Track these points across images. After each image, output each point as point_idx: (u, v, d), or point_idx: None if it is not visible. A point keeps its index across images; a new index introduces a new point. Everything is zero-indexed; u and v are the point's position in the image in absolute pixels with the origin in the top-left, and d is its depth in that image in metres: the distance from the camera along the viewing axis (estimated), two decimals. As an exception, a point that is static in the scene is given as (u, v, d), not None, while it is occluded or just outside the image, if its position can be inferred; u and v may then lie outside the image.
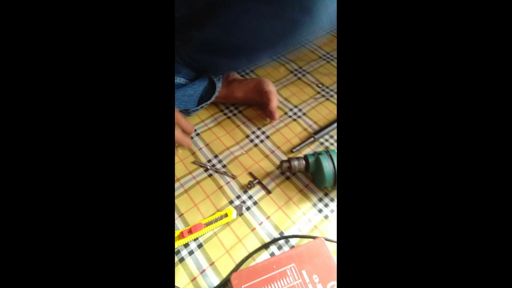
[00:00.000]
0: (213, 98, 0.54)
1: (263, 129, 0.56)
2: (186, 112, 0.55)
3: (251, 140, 0.55)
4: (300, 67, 0.70)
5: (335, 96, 0.64)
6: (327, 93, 0.64)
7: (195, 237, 0.42)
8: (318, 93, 0.64)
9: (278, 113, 0.56)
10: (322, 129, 0.55)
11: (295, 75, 0.68)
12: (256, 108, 0.60)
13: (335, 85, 0.66)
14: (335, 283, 0.34)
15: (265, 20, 0.45)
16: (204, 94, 0.54)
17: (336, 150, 0.46)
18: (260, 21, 0.46)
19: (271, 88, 0.55)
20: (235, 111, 0.60)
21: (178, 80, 0.52)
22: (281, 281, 0.34)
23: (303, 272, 0.35)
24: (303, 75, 0.69)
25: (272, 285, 0.34)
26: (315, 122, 0.58)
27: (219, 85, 0.54)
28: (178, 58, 0.52)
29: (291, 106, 0.61)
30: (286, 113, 0.60)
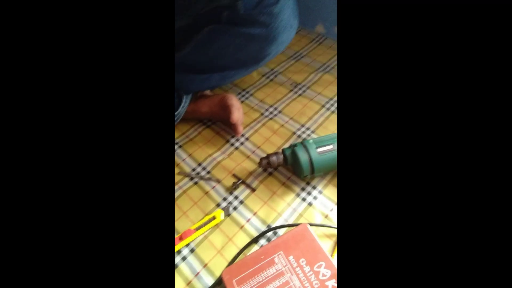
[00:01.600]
0: (181, 109, 0.56)
1: (242, 132, 0.59)
2: None
3: (232, 144, 0.57)
4: (272, 69, 0.73)
5: (308, 91, 0.67)
6: (301, 89, 0.67)
7: (187, 243, 0.43)
8: (291, 90, 0.67)
9: (241, 127, 0.57)
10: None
11: (268, 77, 0.71)
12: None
13: (307, 81, 0.69)
14: (322, 263, 0.36)
15: (233, 39, 0.50)
16: None
17: (311, 140, 0.48)
18: (228, 40, 0.51)
19: (234, 102, 0.57)
20: (211, 125, 0.62)
21: None
22: (270, 269, 0.36)
23: (291, 258, 0.37)
24: (276, 76, 0.72)
25: (262, 274, 0.35)
26: (291, 118, 0.61)
27: (186, 100, 0.57)
28: None
29: (266, 106, 0.64)
30: (262, 114, 0.62)
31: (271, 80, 0.71)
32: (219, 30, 0.52)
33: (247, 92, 0.68)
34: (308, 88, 0.67)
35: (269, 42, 0.52)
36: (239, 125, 0.56)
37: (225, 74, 0.57)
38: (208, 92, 0.63)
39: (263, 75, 0.72)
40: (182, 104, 0.56)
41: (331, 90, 0.66)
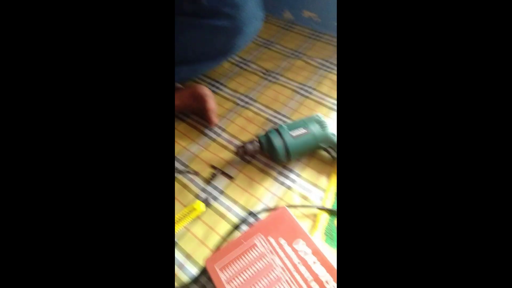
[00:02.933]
0: None
1: (218, 123, 0.58)
2: None
3: (208, 136, 0.57)
4: (242, 58, 0.73)
5: (280, 78, 0.67)
6: (273, 77, 0.68)
7: (168, 237, 0.43)
8: (263, 78, 0.67)
9: (215, 117, 0.57)
10: None
11: (240, 67, 0.71)
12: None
13: (279, 69, 0.69)
14: (302, 242, 0.37)
15: (198, 32, 0.50)
16: None
17: (284, 126, 0.49)
18: (194, 33, 0.50)
19: (206, 91, 0.56)
20: (190, 114, 0.61)
21: None
22: (251, 251, 0.37)
23: (271, 239, 0.38)
24: (247, 64, 0.71)
25: (243, 257, 0.36)
26: (266, 106, 0.61)
27: None
28: None
29: (239, 95, 0.64)
30: (236, 104, 0.62)
31: (243, 69, 0.70)
32: (183, 23, 0.50)
33: (219, 82, 0.67)
34: (280, 75, 0.68)
35: (235, 34, 0.52)
36: (214, 114, 0.56)
37: (194, 67, 0.56)
38: (178, 85, 0.62)
39: (234, 64, 0.71)
40: None
41: (303, 76, 0.67)
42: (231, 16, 0.50)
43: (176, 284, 0.38)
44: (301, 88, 0.64)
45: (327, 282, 0.33)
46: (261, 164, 0.51)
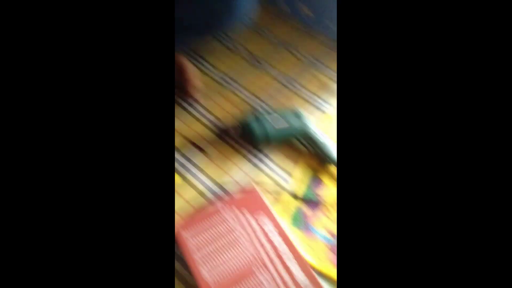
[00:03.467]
0: None
1: (195, 97, 0.58)
2: None
3: (185, 109, 0.56)
4: (231, 39, 0.72)
5: (268, 67, 0.68)
6: (260, 63, 0.68)
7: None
8: (250, 63, 0.68)
9: (193, 90, 0.56)
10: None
11: (227, 47, 0.70)
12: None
13: (268, 57, 0.70)
14: (267, 219, 0.40)
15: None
16: None
17: (267, 117, 0.51)
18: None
19: (185, 62, 0.56)
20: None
21: None
22: (221, 225, 0.39)
23: (240, 215, 0.40)
24: (235, 46, 0.71)
25: (212, 229, 0.38)
26: (248, 90, 0.62)
27: None
28: None
29: (222, 75, 0.63)
30: (217, 81, 0.62)
31: (230, 49, 0.70)
32: None
33: (202, 58, 0.66)
34: (268, 64, 0.68)
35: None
36: (190, 86, 0.55)
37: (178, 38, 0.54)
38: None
39: (221, 43, 0.70)
40: None
41: (292, 70, 0.68)
42: None
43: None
44: (287, 81, 0.66)
45: (288, 259, 0.37)
46: (238, 146, 0.53)
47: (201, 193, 0.46)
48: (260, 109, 0.59)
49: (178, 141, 0.51)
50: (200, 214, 0.40)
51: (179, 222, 0.42)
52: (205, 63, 0.65)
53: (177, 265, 0.38)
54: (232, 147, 0.52)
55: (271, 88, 0.63)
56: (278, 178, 0.50)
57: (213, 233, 0.38)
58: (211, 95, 0.59)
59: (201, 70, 0.63)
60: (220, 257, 0.36)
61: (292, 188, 0.49)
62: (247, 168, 0.50)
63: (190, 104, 0.57)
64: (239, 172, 0.49)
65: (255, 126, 0.49)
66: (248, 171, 0.50)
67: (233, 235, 0.38)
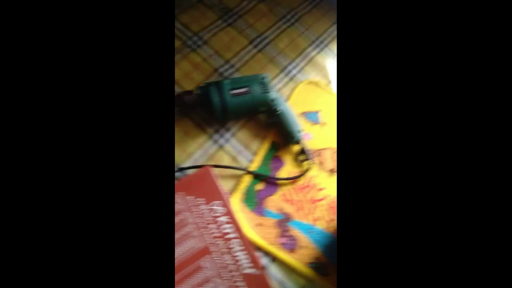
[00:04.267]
0: None
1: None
2: None
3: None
4: (201, -14, 0.62)
5: (239, 21, 0.60)
6: (230, 17, 0.60)
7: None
8: (221, 18, 0.59)
9: None
10: None
11: (196, -4, 0.61)
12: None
13: (239, 8, 0.61)
14: (218, 202, 0.39)
15: None
16: None
17: (227, 81, 0.45)
18: None
19: None
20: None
21: None
22: (168, 207, 0.38)
23: (190, 197, 0.39)
24: (205, -5, 0.61)
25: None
26: (216, 52, 0.56)
27: None
28: None
29: (190, 34, 0.56)
30: (184, 43, 0.55)
31: (199, 1, 0.60)
32: None
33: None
34: (239, 16, 0.60)
35: None
36: None
37: None
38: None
39: (191, -7, 0.61)
40: None
41: (263, 23, 0.60)
42: None
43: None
44: (258, 38, 0.58)
45: (231, 239, 0.37)
46: (199, 118, 0.49)
47: (157, 172, 0.45)
48: (229, 75, 0.54)
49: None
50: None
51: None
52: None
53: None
54: (193, 120, 0.49)
55: (242, 49, 0.56)
56: (236, 152, 0.48)
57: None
58: (177, 60, 0.53)
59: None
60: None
61: (250, 162, 0.47)
62: (207, 144, 0.47)
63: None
64: (198, 150, 0.47)
65: (212, 94, 0.44)
66: (207, 148, 0.47)
67: (179, 218, 0.38)
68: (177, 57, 0.54)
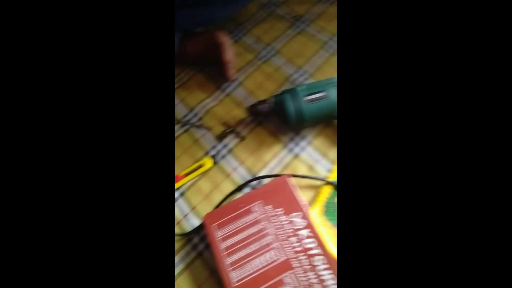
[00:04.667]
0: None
1: (235, 77, 0.55)
2: None
3: (223, 90, 0.54)
4: (270, 0, 0.63)
5: (310, 26, 0.58)
6: (302, 23, 0.59)
7: (177, 187, 0.46)
8: (291, 27, 0.59)
9: (233, 71, 0.52)
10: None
11: (268, 9, 0.62)
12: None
13: (309, 14, 0.60)
14: (298, 213, 0.37)
15: None
16: None
17: (301, 87, 0.44)
18: None
19: (225, 39, 0.51)
20: (202, 68, 0.58)
21: None
22: (248, 216, 0.38)
23: (268, 207, 0.38)
24: (276, 6, 0.62)
25: (240, 221, 0.38)
26: (288, 60, 0.55)
27: (176, 35, 0.52)
28: None
29: (263, 46, 0.58)
30: (257, 56, 0.57)
31: (270, 14, 0.62)
32: None
33: (243, 26, 0.61)
34: (310, 21, 0.59)
35: None
36: (231, 67, 0.52)
37: (214, 8, 0.50)
38: (197, 30, 0.57)
39: (261, 8, 0.63)
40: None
41: (335, 26, 0.57)
42: None
43: (177, 231, 0.43)
44: (330, 41, 0.55)
45: (314, 255, 0.34)
46: (273, 127, 0.49)
47: (233, 182, 0.46)
48: (303, 81, 0.52)
49: (216, 125, 0.51)
50: (229, 203, 0.40)
51: (209, 213, 0.43)
52: (245, 34, 0.60)
53: (206, 254, 0.40)
54: (268, 129, 0.49)
55: (315, 55, 0.55)
56: (313, 161, 0.45)
57: (240, 224, 0.38)
58: (251, 72, 0.55)
59: (241, 44, 0.58)
60: (244, 252, 0.36)
61: (328, 172, 0.43)
62: (282, 153, 0.46)
63: (230, 86, 0.55)
64: (273, 159, 0.46)
65: (286, 101, 0.43)
66: (282, 157, 0.46)
67: (259, 227, 0.37)
68: (250, 69, 0.56)
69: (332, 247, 0.36)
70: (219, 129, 0.50)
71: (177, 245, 0.41)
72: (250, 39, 0.59)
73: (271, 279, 0.33)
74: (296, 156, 0.46)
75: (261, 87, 0.53)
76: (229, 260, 0.35)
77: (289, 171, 0.44)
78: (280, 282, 0.33)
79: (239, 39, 0.60)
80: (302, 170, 0.44)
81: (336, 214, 0.39)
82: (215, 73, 0.56)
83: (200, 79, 0.56)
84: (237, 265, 0.35)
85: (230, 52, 0.52)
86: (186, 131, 0.51)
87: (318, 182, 0.43)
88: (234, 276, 0.34)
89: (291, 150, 0.46)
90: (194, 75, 0.57)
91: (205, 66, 0.57)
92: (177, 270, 0.40)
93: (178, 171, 0.48)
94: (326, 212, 0.40)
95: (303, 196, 0.40)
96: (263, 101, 0.47)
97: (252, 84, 0.54)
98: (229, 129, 0.50)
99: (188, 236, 0.42)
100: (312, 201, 0.42)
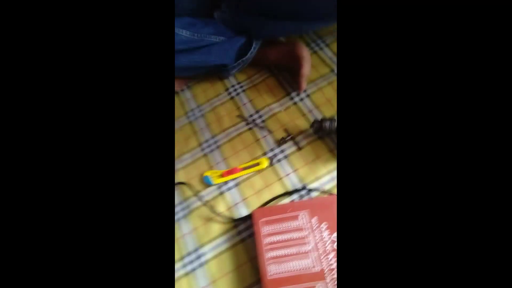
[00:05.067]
0: (249, 55, 0.56)
1: (306, 89, 0.58)
2: (226, 71, 0.60)
3: (291, 98, 0.58)
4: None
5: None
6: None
7: (233, 178, 0.52)
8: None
9: (305, 83, 0.55)
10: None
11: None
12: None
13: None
14: (332, 220, 0.40)
15: None
16: (240, 51, 0.57)
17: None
18: None
19: (305, 54, 0.54)
20: (276, 73, 0.61)
21: (216, 39, 0.55)
22: (293, 222, 0.42)
23: (314, 219, 0.41)
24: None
25: (284, 224, 0.42)
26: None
27: (256, 46, 0.56)
28: (220, 19, 0.55)
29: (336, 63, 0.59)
30: (332, 70, 0.59)
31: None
32: None
33: (322, 41, 0.63)
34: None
35: None
36: (304, 80, 0.55)
37: (299, 24, 0.53)
38: (280, 39, 0.61)
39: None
40: (251, 50, 0.56)
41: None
42: None
43: (228, 215, 0.48)
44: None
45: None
46: (332, 145, 0.51)
47: (284, 186, 0.49)
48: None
49: (278, 130, 0.55)
50: (278, 205, 0.44)
51: (259, 209, 0.48)
52: (324, 48, 0.62)
53: (248, 242, 0.45)
54: (327, 145, 0.51)
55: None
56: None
57: (284, 227, 0.42)
58: (322, 86, 0.57)
59: (319, 57, 0.61)
60: (284, 251, 0.40)
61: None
62: (336, 172, 0.49)
63: (299, 96, 0.58)
64: (326, 175, 0.49)
65: None
66: (335, 175, 0.48)
67: (301, 234, 0.41)
68: (322, 83, 0.58)
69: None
70: (280, 134, 0.54)
71: (225, 228, 0.47)
72: (328, 53, 0.61)
73: (304, 283, 0.37)
74: (349, 178, 0.48)
75: (329, 103, 0.55)
76: (269, 254, 0.40)
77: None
78: (312, 288, 0.36)
79: (317, 51, 0.62)
80: (352, 193, 0.46)
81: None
82: (287, 80, 0.60)
83: (272, 84, 0.61)
84: (276, 260, 0.39)
85: (308, 67, 0.55)
86: (250, 129, 0.56)
87: (365, 208, 0.44)
88: (271, 269, 0.39)
89: (345, 171, 0.48)
90: (267, 79, 0.61)
91: (278, 72, 0.61)
92: (220, 249, 0.46)
93: (237, 164, 0.53)
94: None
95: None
96: (329, 119, 0.49)
97: (320, 99, 0.56)
98: (289, 137, 0.53)
99: (235, 222, 0.47)
100: (355, 225, 0.43)
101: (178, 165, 0.56)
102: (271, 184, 0.50)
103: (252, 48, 0.56)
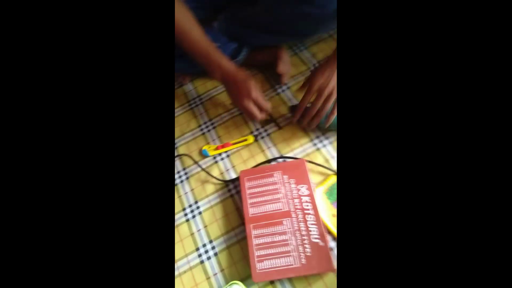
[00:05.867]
0: (240, 57, 0.69)
1: (286, 82, 0.71)
2: None
3: (275, 90, 0.71)
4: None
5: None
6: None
7: (225, 150, 0.64)
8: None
9: (286, 78, 0.69)
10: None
11: (330, 34, 0.77)
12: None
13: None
14: (304, 185, 0.52)
15: (294, 9, 0.57)
16: (233, 54, 0.69)
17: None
18: (290, 11, 0.57)
19: (283, 55, 0.68)
20: (264, 70, 0.74)
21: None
22: (269, 178, 0.54)
23: (285, 176, 0.53)
24: (335, 32, 0.76)
25: (263, 180, 0.54)
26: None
27: (245, 52, 0.69)
28: (218, 28, 0.69)
29: (314, 61, 0.72)
30: (309, 68, 0.72)
31: (331, 35, 0.76)
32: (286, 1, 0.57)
33: (303, 45, 0.76)
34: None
35: (322, 23, 0.58)
36: (284, 76, 0.69)
37: (282, 38, 0.67)
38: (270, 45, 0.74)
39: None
40: (242, 53, 0.69)
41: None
42: (321, 6, 0.54)
43: (221, 178, 0.60)
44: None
45: (308, 214, 0.48)
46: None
47: (266, 156, 0.62)
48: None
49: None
50: (259, 168, 0.56)
51: (244, 170, 0.60)
52: (303, 50, 0.75)
53: (236, 197, 0.57)
54: (301, 126, 0.64)
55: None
56: (330, 156, 0.58)
57: (262, 182, 0.54)
58: (300, 80, 0.70)
59: (298, 57, 0.74)
60: (261, 199, 0.52)
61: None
62: (307, 146, 0.61)
63: (281, 88, 0.71)
64: (299, 148, 0.61)
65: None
66: (306, 148, 0.60)
67: (275, 187, 0.53)
68: (300, 78, 0.71)
69: (322, 213, 0.49)
70: (265, 117, 0.67)
71: (217, 188, 0.59)
72: (307, 54, 0.74)
73: (275, 219, 0.49)
74: (318, 149, 0.60)
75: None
76: (251, 201, 0.52)
77: (308, 159, 0.59)
78: (280, 222, 0.48)
79: (298, 53, 0.75)
80: (319, 160, 0.58)
81: (334, 196, 0.53)
82: (272, 76, 0.73)
83: (260, 78, 0.74)
84: (255, 205, 0.51)
85: (285, 66, 0.68)
86: (240, 114, 0.69)
87: (328, 172, 0.56)
88: (252, 211, 0.51)
89: (314, 144, 0.61)
90: (256, 74, 0.74)
91: (265, 70, 0.74)
92: (213, 202, 0.58)
93: (229, 140, 0.66)
94: (327, 192, 0.53)
95: (313, 178, 0.54)
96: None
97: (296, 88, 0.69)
98: (271, 119, 0.66)
99: (226, 183, 0.59)
100: (319, 183, 0.55)
101: (181, 142, 0.68)
102: (256, 155, 0.62)
103: (242, 53, 0.70)
